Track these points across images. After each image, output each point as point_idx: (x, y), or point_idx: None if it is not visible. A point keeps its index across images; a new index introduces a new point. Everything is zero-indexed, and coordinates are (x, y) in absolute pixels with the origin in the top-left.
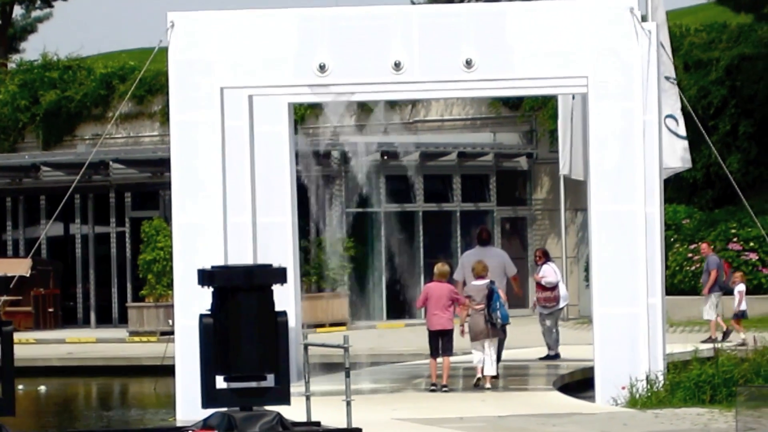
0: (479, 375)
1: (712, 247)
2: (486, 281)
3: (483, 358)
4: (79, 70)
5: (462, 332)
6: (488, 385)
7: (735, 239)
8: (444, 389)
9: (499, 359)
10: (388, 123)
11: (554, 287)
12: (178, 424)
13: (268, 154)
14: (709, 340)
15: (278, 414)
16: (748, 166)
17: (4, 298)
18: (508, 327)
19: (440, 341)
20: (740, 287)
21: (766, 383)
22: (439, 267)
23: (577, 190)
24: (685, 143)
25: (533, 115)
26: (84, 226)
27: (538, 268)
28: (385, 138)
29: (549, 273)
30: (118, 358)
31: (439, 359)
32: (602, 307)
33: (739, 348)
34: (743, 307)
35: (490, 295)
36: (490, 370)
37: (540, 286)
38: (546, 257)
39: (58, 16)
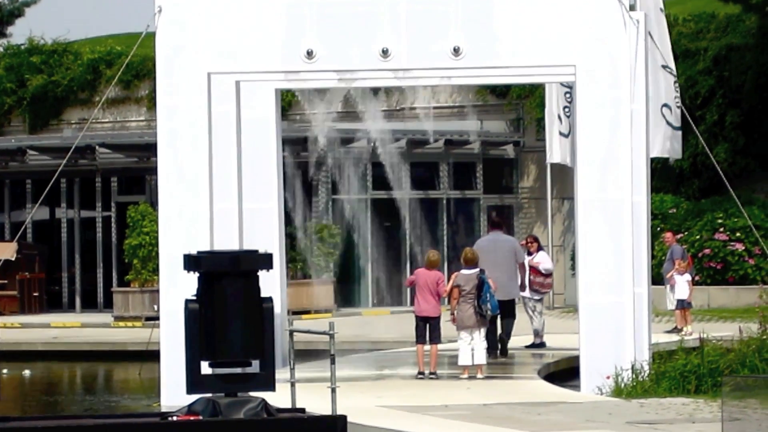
0: (466, 375)
1: (677, 237)
2: (476, 270)
3: (470, 353)
4: (65, 54)
5: (453, 320)
6: (480, 375)
7: (721, 229)
8: (432, 376)
9: (508, 337)
10: (374, 110)
11: (549, 273)
12: (163, 410)
13: (254, 139)
14: (675, 330)
15: (263, 400)
16: (735, 156)
17: None
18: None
19: (427, 328)
20: (687, 276)
21: (752, 374)
22: (430, 255)
23: (564, 179)
24: (678, 133)
25: (520, 103)
26: (70, 211)
27: (533, 254)
28: (371, 125)
29: (545, 259)
30: (103, 342)
31: (427, 347)
32: (588, 296)
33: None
34: (685, 296)
35: (480, 285)
36: (481, 358)
37: (535, 271)
38: (539, 244)
39: (45, 1)
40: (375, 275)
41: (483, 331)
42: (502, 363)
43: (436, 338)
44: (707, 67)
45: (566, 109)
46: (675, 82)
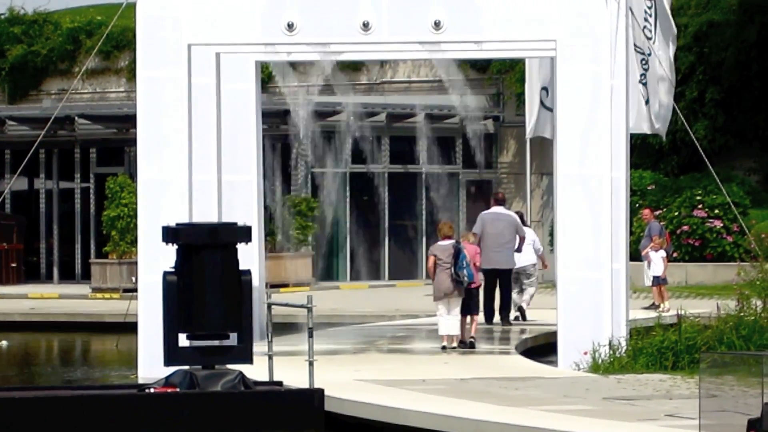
0: (445, 343)
1: (655, 213)
2: (452, 241)
3: (449, 323)
4: (45, 24)
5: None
6: (454, 345)
7: (700, 206)
8: (471, 340)
9: (508, 306)
10: (355, 83)
11: (540, 251)
12: (140, 382)
13: (234, 112)
14: (652, 306)
15: (240, 373)
16: (715, 133)
17: None
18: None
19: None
20: (662, 252)
21: (729, 350)
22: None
23: (543, 154)
24: (657, 110)
25: (500, 77)
26: (48, 181)
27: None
28: (351, 98)
29: (534, 236)
30: (80, 314)
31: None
32: (566, 272)
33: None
34: (660, 272)
35: (457, 254)
36: (455, 328)
37: None
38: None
39: None
40: (353, 249)
41: (459, 301)
42: (479, 338)
43: (474, 308)
44: (687, 44)
45: None
46: (642, 60)
